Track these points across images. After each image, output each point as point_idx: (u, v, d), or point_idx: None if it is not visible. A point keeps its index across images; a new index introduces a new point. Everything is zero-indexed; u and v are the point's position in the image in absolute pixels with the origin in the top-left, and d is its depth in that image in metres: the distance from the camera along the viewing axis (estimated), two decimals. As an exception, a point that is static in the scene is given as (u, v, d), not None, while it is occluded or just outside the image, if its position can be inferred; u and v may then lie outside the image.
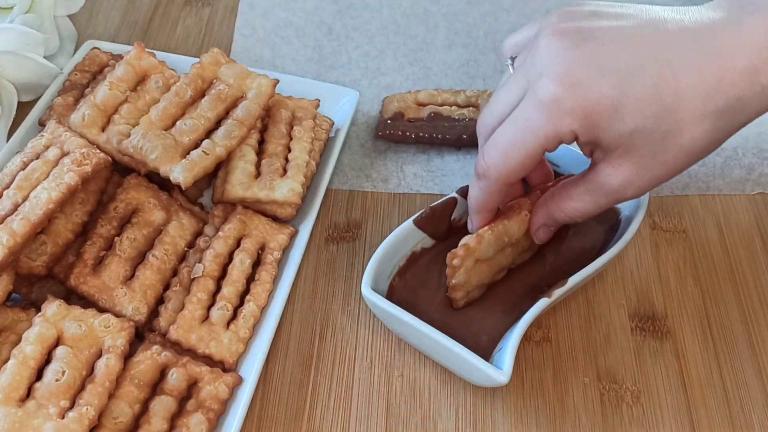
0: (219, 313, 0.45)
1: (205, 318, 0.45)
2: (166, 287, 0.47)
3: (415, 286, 0.47)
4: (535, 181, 0.47)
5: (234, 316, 0.46)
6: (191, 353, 0.44)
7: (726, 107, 0.35)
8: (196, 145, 0.49)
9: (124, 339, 0.42)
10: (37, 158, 0.46)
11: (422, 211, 0.48)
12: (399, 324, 0.43)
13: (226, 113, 0.51)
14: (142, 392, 0.41)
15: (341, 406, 0.45)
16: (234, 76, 0.52)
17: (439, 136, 0.57)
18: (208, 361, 0.44)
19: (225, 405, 0.42)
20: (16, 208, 0.43)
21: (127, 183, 0.49)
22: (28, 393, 0.39)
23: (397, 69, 0.65)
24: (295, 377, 0.46)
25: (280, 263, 0.50)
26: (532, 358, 0.47)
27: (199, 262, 0.47)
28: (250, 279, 0.48)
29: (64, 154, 0.46)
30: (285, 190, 0.50)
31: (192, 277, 0.46)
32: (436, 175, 0.57)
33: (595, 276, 0.48)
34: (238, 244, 0.48)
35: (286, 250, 0.50)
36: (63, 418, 0.38)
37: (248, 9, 0.69)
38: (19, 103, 0.58)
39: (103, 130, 0.49)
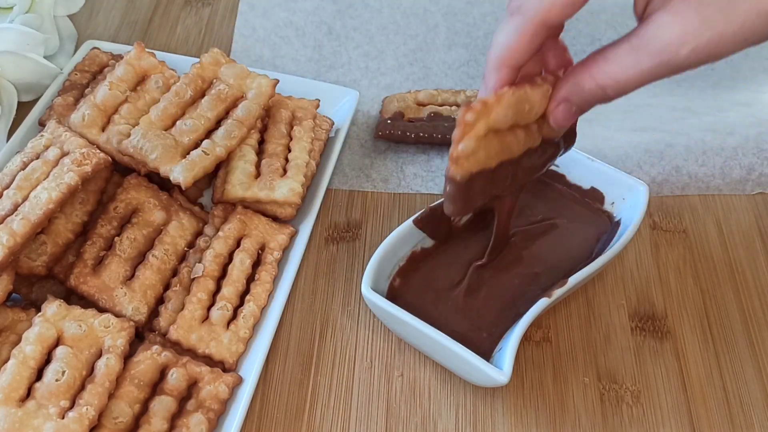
0: (219, 313, 0.45)
1: (205, 318, 0.45)
2: (166, 287, 0.47)
3: (415, 286, 0.47)
4: (553, 65, 0.40)
5: (234, 316, 0.46)
6: (191, 353, 0.44)
7: None
8: (196, 145, 0.49)
9: (124, 339, 0.42)
10: (37, 158, 0.46)
11: (422, 211, 0.48)
12: (399, 324, 0.43)
13: (226, 113, 0.51)
14: (142, 392, 0.41)
15: (341, 406, 0.45)
16: (234, 76, 0.52)
17: (439, 136, 0.57)
18: (208, 361, 0.44)
19: (225, 405, 0.42)
20: (16, 208, 0.43)
21: (127, 183, 0.49)
22: (28, 393, 0.38)
23: (397, 69, 0.65)
24: (295, 377, 0.46)
25: (280, 263, 0.50)
26: (532, 358, 0.47)
27: (199, 262, 0.47)
28: (250, 279, 0.48)
29: (64, 154, 0.46)
30: (285, 190, 0.50)
31: (192, 277, 0.46)
32: (436, 175, 0.57)
33: (595, 276, 0.48)
34: (238, 244, 0.49)
35: (286, 250, 0.50)
36: (63, 418, 0.38)
37: (248, 9, 0.69)
38: (19, 103, 0.59)
39: (103, 130, 0.49)
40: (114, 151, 0.49)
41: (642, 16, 0.34)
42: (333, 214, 0.55)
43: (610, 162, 0.52)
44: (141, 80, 0.52)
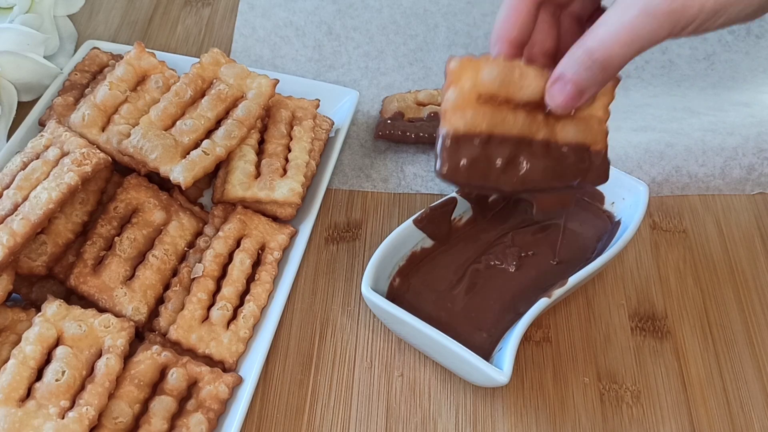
0: (219, 313, 0.45)
1: (205, 318, 0.45)
2: (166, 287, 0.47)
3: (415, 286, 0.47)
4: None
5: (234, 316, 0.46)
6: (191, 353, 0.44)
7: None
8: (196, 145, 0.49)
9: (124, 339, 0.42)
10: (37, 158, 0.46)
11: (422, 211, 0.48)
12: (399, 324, 0.43)
13: (226, 113, 0.51)
14: (142, 392, 0.41)
15: (341, 406, 0.45)
16: (234, 76, 0.52)
17: (439, 136, 0.56)
18: (208, 361, 0.44)
19: (225, 405, 0.42)
20: (16, 208, 0.43)
21: (127, 183, 0.49)
22: (28, 393, 0.39)
23: (397, 69, 0.65)
24: (295, 377, 0.46)
25: (280, 263, 0.50)
26: (532, 358, 0.47)
27: (199, 262, 0.47)
28: (250, 279, 0.48)
29: (64, 154, 0.46)
30: (285, 190, 0.50)
31: (192, 277, 0.46)
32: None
33: (595, 276, 0.48)
34: (238, 244, 0.49)
35: (286, 250, 0.50)
36: (63, 418, 0.38)
37: (248, 9, 0.69)
38: (19, 103, 0.59)
39: (103, 130, 0.49)
40: (114, 151, 0.49)
41: None
42: (333, 214, 0.55)
43: (610, 162, 0.51)
44: (141, 80, 0.52)
